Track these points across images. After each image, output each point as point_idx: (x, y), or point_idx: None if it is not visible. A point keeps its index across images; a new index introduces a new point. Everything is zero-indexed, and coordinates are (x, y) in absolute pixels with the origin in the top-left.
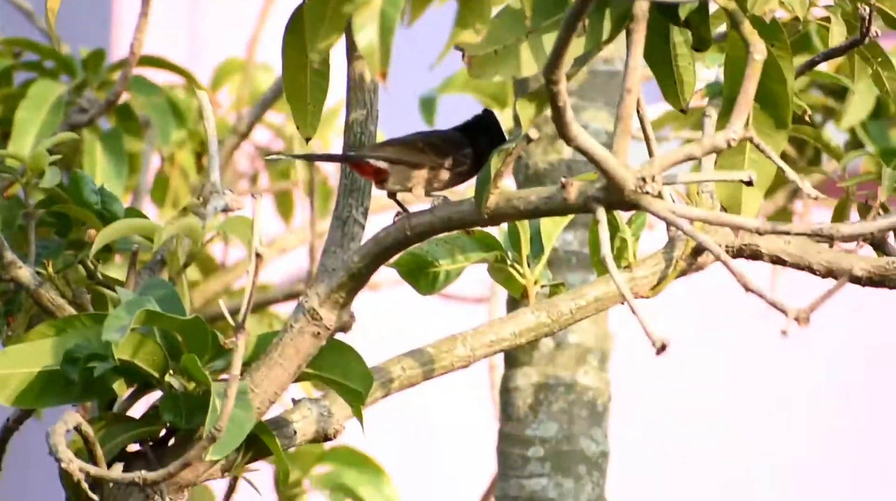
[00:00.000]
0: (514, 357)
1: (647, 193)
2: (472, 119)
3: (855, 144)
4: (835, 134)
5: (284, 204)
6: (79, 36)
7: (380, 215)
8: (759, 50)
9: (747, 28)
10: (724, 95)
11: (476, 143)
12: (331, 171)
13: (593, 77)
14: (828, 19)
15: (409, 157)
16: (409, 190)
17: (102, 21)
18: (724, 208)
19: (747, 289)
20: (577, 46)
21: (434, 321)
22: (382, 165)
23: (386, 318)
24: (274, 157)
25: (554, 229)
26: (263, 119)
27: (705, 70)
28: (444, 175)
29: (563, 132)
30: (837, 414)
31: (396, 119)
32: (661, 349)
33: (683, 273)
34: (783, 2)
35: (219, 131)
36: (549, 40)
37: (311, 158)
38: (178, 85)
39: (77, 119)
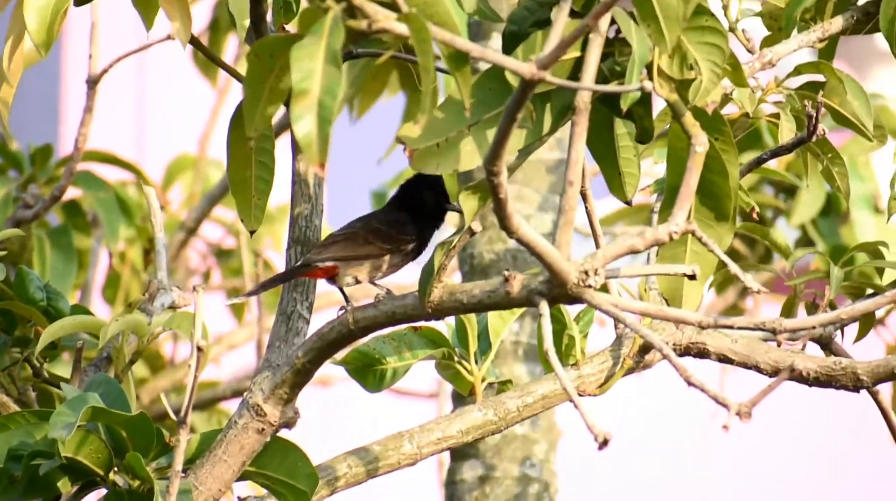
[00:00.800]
0: (460, 450)
1: (590, 286)
2: (408, 183)
3: (806, 241)
4: (786, 231)
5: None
6: (28, 133)
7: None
8: (700, 142)
9: (689, 120)
10: (666, 187)
11: (417, 216)
12: (280, 265)
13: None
14: (778, 115)
15: (355, 251)
16: (359, 282)
17: (51, 118)
18: (665, 301)
19: (689, 383)
20: (520, 139)
21: (385, 415)
22: (331, 263)
23: (337, 414)
24: (232, 302)
25: (501, 326)
26: (215, 216)
27: (655, 166)
28: (393, 259)
29: (504, 224)
30: None
31: (350, 214)
32: (604, 443)
33: (631, 371)
34: (733, 98)
35: (169, 227)
36: (490, 133)
37: (265, 288)
38: (128, 182)
39: (22, 215)
